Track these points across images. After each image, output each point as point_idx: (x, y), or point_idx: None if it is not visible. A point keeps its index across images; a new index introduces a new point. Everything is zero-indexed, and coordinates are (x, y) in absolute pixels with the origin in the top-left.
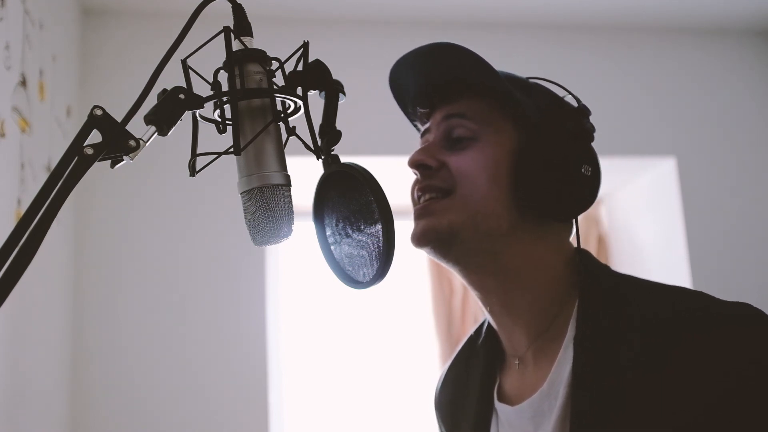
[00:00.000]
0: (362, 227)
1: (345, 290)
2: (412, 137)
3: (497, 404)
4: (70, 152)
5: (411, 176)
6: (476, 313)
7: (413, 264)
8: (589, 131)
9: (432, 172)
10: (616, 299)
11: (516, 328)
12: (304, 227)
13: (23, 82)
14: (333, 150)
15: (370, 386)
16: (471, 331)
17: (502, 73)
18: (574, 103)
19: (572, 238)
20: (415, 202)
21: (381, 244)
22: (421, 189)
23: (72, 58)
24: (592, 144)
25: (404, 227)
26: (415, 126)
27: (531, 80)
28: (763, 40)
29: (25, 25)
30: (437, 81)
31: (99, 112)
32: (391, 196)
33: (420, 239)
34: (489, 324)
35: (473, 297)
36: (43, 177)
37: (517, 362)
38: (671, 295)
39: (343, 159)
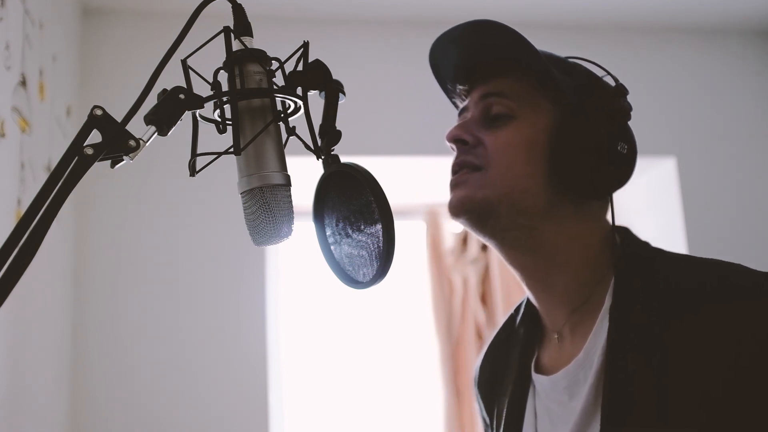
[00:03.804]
0: (362, 227)
1: (345, 290)
2: (411, 137)
3: (534, 375)
4: (70, 152)
5: (411, 176)
6: (476, 313)
7: (413, 264)
8: (626, 110)
9: (468, 148)
10: (650, 272)
11: (553, 302)
12: (304, 227)
13: (23, 82)
14: (333, 150)
15: (370, 386)
16: (511, 310)
17: (542, 52)
18: (612, 83)
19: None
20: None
21: (381, 244)
22: (457, 164)
23: (72, 58)
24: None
25: (404, 227)
26: (453, 103)
27: (569, 59)
28: (763, 40)
29: (25, 25)
30: (478, 58)
31: (99, 112)
32: (391, 196)
33: (456, 208)
34: (528, 301)
35: (473, 297)
36: (43, 177)
37: (556, 336)
38: (701, 267)
39: (344, 159)
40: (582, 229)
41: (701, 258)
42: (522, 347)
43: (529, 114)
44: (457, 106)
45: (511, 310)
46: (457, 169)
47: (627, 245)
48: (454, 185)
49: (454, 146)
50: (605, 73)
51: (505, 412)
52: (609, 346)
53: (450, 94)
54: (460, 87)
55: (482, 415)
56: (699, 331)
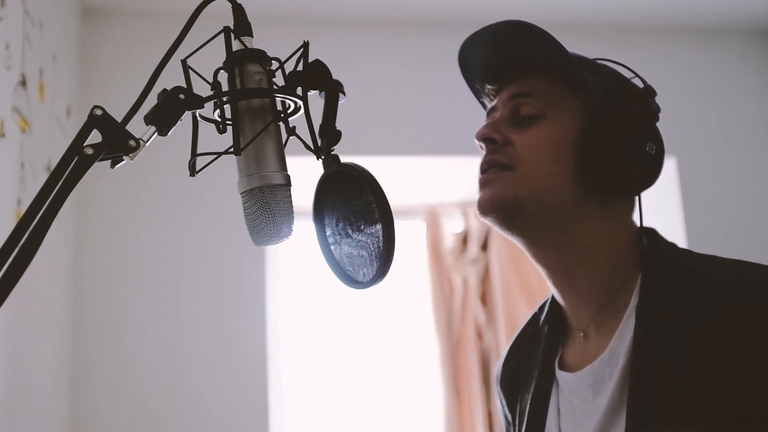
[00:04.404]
0: (362, 227)
1: (345, 290)
2: (411, 137)
3: (558, 372)
4: (70, 152)
5: (411, 176)
6: (476, 313)
7: (413, 264)
8: (654, 111)
9: (497, 147)
10: (676, 273)
11: (580, 301)
12: (304, 227)
13: (23, 82)
14: (333, 150)
15: (370, 386)
16: (535, 308)
17: (571, 53)
18: (640, 85)
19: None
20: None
21: (381, 244)
22: (485, 163)
23: (72, 58)
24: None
25: (404, 227)
26: (481, 102)
27: (598, 61)
28: (763, 40)
29: (25, 25)
30: (508, 58)
31: (99, 112)
32: (391, 196)
33: (484, 206)
34: (552, 299)
35: (473, 297)
36: (43, 177)
37: (581, 334)
38: (727, 267)
39: (344, 159)
40: (609, 228)
41: (727, 259)
42: (546, 344)
43: (557, 114)
44: (485, 106)
45: (535, 309)
46: (485, 168)
47: (654, 246)
48: (483, 183)
49: (482, 145)
50: (633, 74)
51: (528, 409)
52: (635, 345)
53: (478, 93)
54: (489, 87)
55: (504, 412)
56: (718, 331)
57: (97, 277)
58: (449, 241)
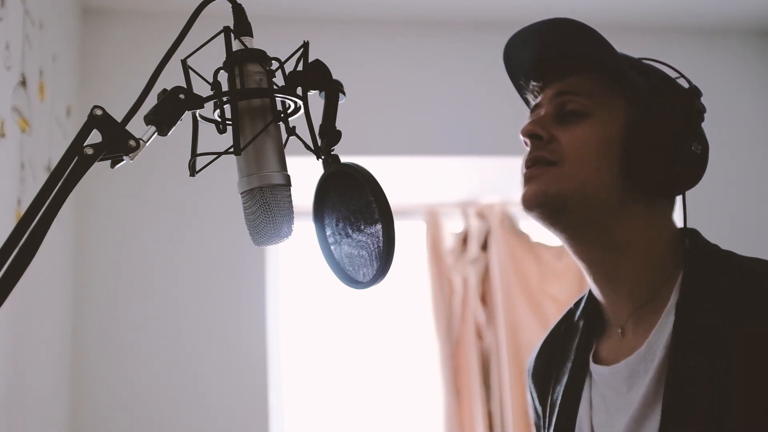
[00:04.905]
0: (362, 227)
1: (345, 290)
2: (411, 137)
3: (592, 365)
4: (70, 152)
5: (411, 176)
6: (476, 313)
7: (413, 264)
8: (699, 111)
9: (542, 144)
10: (718, 273)
11: (619, 297)
12: (304, 227)
13: (23, 82)
14: (333, 150)
15: (370, 386)
16: (570, 304)
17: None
18: (686, 85)
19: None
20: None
21: (381, 244)
22: (530, 159)
23: (72, 58)
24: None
25: (404, 227)
26: (525, 99)
27: (643, 60)
28: (763, 40)
29: (25, 25)
30: (555, 55)
31: (99, 112)
32: (391, 196)
33: (529, 202)
34: (589, 295)
35: (473, 297)
36: (43, 177)
37: (619, 330)
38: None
39: (344, 159)
40: (651, 226)
41: None
42: (581, 338)
43: (603, 112)
44: (527, 102)
45: (570, 305)
46: (530, 164)
47: (696, 245)
48: (528, 179)
49: (528, 141)
50: (678, 74)
51: (559, 401)
52: (673, 343)
53: (522, 90)
54: (534, 83)
55: (534, 405)
56: (760, 334)
57: (97, 277)
58: (449, 241)
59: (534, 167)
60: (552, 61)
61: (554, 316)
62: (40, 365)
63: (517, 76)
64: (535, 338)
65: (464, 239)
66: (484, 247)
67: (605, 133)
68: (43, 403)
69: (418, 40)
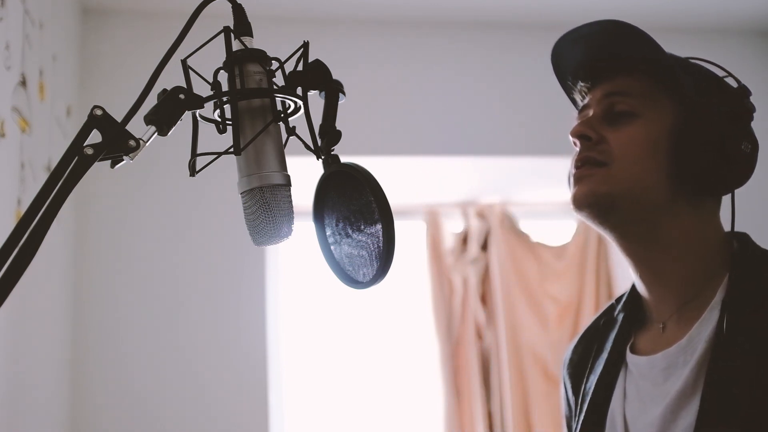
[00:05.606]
0: (362, 227)
1: (345, 290)
2: (411, 137)
3: (629, 356)
4: (70, 152)
5: (411, 177)
6: (476, 313)
7: (413, 264)
8: (748, 110)
9: (591, 144)
10: (766, 276)
11: (665, 294)
12: (304, 227)
13: (23, 82)
14: (333, 150)
15: (370, 386)
16: (612, 300)
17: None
18: (734, 84)
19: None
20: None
21: (381, 244)
22: (580, 159)
23: (72, 58)
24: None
25: (404, 227)
26: (572, 99)
27: (691, 60)
28: (763, 40)
29: (25, 25)
30: (607, 56)
31: (99, 112)
32: (391, 196)
33: (579, 201)
34: (632, 291)
35: (473, 297)
36: (43, 177)
37: (661, 326)
38: None
39: (344, 159)
40: (698, 225)
41: None
42: (619, 330)
43: (651, 112)
44: (575, 103)
45: (612, 300)
46: (580, 164)
47: (745, 247)
48: (578, 179)
49: (577, 142)
50: (726, 73)
51: (592, 390)
52: (716, 339)
53: (569, 90)
54: (582, 84)
55: (566, 396)
56: None
57: (97, 277)
58: (449, 241)
59: (584, 167)
60: (602, 61)
61: (554, 316)
62: (40, 365)
63: (565, 77)
64: (535, 338)
65: (464, 239)
66: (484, 247)
67: (654, 133)
68: (43, 403)
69: (418, 40)
